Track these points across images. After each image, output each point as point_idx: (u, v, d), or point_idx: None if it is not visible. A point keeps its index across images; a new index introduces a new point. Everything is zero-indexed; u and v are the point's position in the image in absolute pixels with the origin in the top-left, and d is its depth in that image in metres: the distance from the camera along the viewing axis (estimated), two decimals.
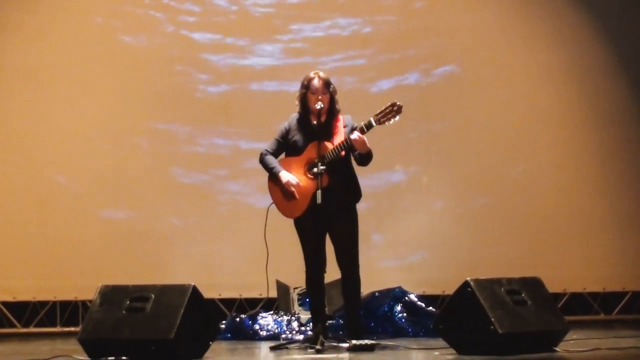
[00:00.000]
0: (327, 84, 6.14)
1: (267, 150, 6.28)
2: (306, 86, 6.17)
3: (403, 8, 9.56)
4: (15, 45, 9.17)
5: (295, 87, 6.34)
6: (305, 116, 6.19)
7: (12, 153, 9.07)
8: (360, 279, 6.12)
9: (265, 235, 6.43)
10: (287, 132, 6.26)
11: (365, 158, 6.05)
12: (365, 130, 5.94)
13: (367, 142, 5.94)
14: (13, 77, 9.15)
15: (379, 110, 5.92)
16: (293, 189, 6.06)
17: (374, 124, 5.91)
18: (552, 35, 9.62)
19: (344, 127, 6.07)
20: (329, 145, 5.99)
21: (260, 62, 9.42)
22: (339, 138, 6.01)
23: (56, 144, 9.06)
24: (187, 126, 9.28)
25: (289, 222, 6.20)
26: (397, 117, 5.90)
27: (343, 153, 5.99)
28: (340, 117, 6.16)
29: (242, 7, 9.46)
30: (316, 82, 6.14)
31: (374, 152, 6.05)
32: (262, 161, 6.27)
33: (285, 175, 6.12)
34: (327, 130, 6.09)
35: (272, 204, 6.25)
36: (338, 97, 6.20)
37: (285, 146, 6.27)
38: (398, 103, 5.88)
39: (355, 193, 6.15)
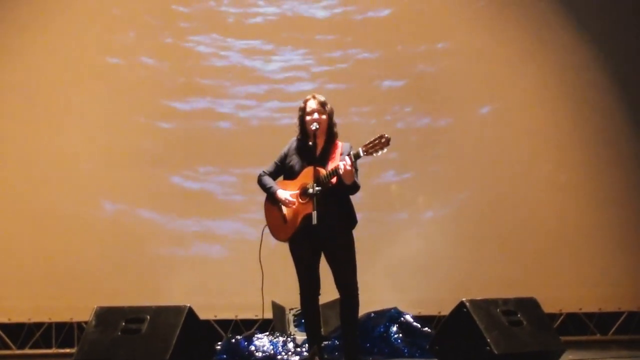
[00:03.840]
0: (323, 104, 6.17)
1: (264, 172, 6.31)
2: (303, 108, 6.20)
3: (397, 24, 9.59)
4: (8, 64, 9.19)
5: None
6: (304, 140, 6.20)
7: (7, 174, 9.06)
8: (359, 301, 6.10)
9: (260, 257, 6.44)
10: (286, 156, 6.28)
11: (348, 189, 6.03)
12: (353, 159, 5.93)
13: (353, 174, 5.94)
14: (9, 97, 9.17)
15: (368, 141, 5.90)
16: (291, 204, 6.06)
17: (361, 154, 5.90)
18: (547, 54, 9.64)
19: (341, 154, 6.07)
20: (323, 171, 5.98)
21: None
22: (334, 165, 6.01)
23: (52, 165, 9.06)
24: (181, 148, 9.28)
25: (285, 243, 6.20)
26: (385, 149, 5.88)
27: (334, 180, 5.97)
28: (340, 143, 6.17)
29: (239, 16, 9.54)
30: (312, 103, 6.17)
31: (371, 170, 6.04)
32: (260, 182, 6.30)
33: (281, 193, 6.13)
34: (324, 155, 6.11)
35: (266, 226, 6.26)
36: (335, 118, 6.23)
37: (283, 170, 6.29)
38: (386, 135, 5.87)
39: (350, 219, 6.13)
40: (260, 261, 6.45)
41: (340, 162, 5.90)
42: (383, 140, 5.86)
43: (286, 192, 6.12)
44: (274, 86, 9.44)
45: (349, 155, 5.92)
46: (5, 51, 9.23)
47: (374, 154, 5.89)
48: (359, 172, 6.13)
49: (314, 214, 5.76)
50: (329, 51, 9.50)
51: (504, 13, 9.72)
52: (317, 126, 6.06)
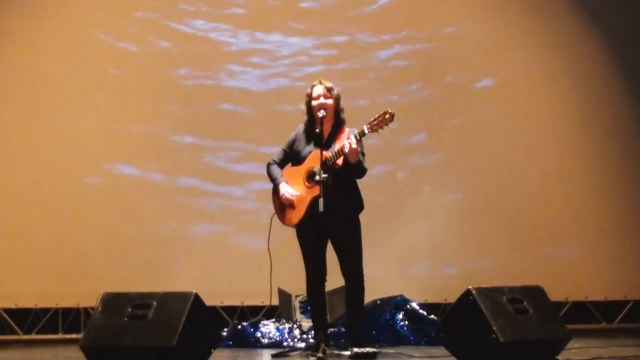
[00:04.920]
0: (329, 89, 6.15)
1: (273, 160, 6.31)
2: (309, 94, 6.19)
3: (408, 19, 9.56)
4: (16, 50, 9.21)
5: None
6: (311, 126, 6.19)
7: (13, 159, 9.09)
8: (364, 288, 6.10)
9: (268, 244, 6.44)
10: (293, 142, 6.28)
11: (354, 169, 6.01)
12: (359, 137, 5.92)
13: (358, 153, 5.92)
14: (16, 82, 9.18)
15: (372, 118, 5.90)
16: (288, 202, 6.07)
17: (366, 131, 5.89)
18: (554, 44, 9.63)
19: (347, 139, 6.05)
20: (329, 154, 5.98)
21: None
22: (340, 146, 6.00)
23: (57, 151, 9.08)
24: (188, 133, 9.29)
25: (291, 230, 6.21)
26: (390, 125, 5.88)
27: (340, 161, 5.97)
28: (347, 129, 6.16)
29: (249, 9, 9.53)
30: (318, 88, 6.16)
31: (378, 159, 6.04)
32: (267, 171, 6.30)
33: (283, 187, 6.14)
34: (330, 140, 6.10)
35: (275, 213, 6.26)
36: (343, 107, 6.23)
37: (291, 156, 6.28)
38: (390, 111, 5.86)
39: (356, 204, 6.13)
40: (268, 249, 6.45)
41: (345, 141, 5.90)
42: (387, 116, 5.85)
43: (287, 187, 6.12)
44: (281, 69, 9.43)
45: (354, 134, 5.91)
46: (11, 36, 9.24)
47: (379, 130, 5.88)
48: (365, 156, 6.11)
49: (321, 200, 5.75)
50: (335, 34, 9.49)
51: (513, 3, 9.70)
52: (325, 113, 6.04)
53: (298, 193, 6.06)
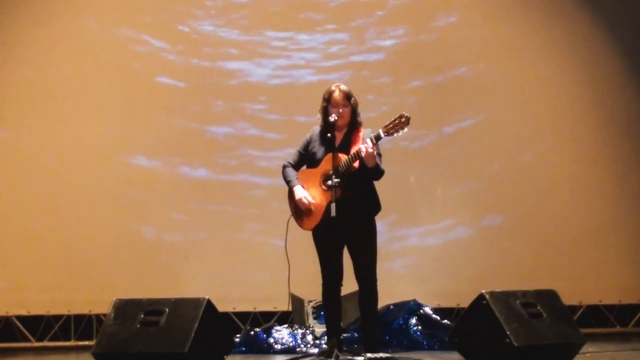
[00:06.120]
0: (347, 96, 6.13)
1: (288, 162, 6.30)
2: (327, 99, 6.14)
3: (420, 20, 9.54)
4: (28, 59, 9.23)
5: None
6: (326, 129, 6.17)
7: (25, 166, 9.10)
8: (377, 293, 6.09)
9: (286, 247, 6.41)
10: (308, 144, 6.27)
11: (370, 173, 6.01)
12: (375, 141, 5.91)
13: (375, 157, 5.92)
14: (27, 90, 9.20)
15: (388, 122, 5.89)
16: (305, 207, 6.06)
17: (382, 135, 5.88)
18: (567, 46, 9.59)
19: (363, 142, 6.03)
20: (344, 157, 5.97)
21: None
22: (356, 149, 5.99)
23: (70, 157, 9.09)
24: (200, 138, 9.29)
25: (303, 234, 6.19)
26: (405, 129, 5.86)
27: (356, 165, 5.96)
28: (362, 130, 6.15)
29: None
30: (337, 95, 6.13)
31: (389, 163, 6.03)
32: (283, 173, 6.29)
33: (298, 192, 6.13)
34: (346, 143, 6.09)
35: (291, 216, 6.24)
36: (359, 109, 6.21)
37: (307, 158, 6.27)
38: (406, 114, 5.85)
39: (372, 206, 6.12)
40: (286, 252, 6.43)
41: (361, 145, 5.89)
42: (403, 119, 5.84)
43: (303, 191, 6.11)
44: (291, 65, 9.44)
45: (370, 138, 5.90)
46: (21, 45, 9.26)
47: (395, 134, 5.87)
48: (382, 157, 6.08)
49: (332, 205, 5.74)
50: (341, 31, 9.49)
51: (523, 1, 9.67)
52: (336, 118, 6.03)
53: (314, 200, 6.05)
